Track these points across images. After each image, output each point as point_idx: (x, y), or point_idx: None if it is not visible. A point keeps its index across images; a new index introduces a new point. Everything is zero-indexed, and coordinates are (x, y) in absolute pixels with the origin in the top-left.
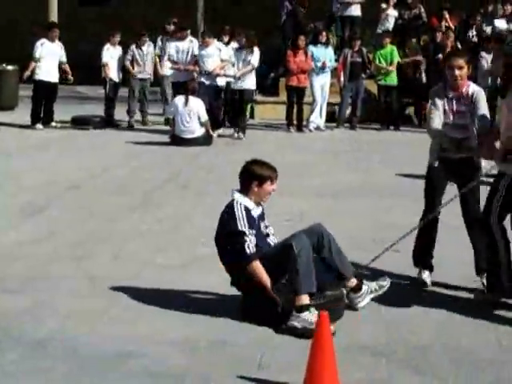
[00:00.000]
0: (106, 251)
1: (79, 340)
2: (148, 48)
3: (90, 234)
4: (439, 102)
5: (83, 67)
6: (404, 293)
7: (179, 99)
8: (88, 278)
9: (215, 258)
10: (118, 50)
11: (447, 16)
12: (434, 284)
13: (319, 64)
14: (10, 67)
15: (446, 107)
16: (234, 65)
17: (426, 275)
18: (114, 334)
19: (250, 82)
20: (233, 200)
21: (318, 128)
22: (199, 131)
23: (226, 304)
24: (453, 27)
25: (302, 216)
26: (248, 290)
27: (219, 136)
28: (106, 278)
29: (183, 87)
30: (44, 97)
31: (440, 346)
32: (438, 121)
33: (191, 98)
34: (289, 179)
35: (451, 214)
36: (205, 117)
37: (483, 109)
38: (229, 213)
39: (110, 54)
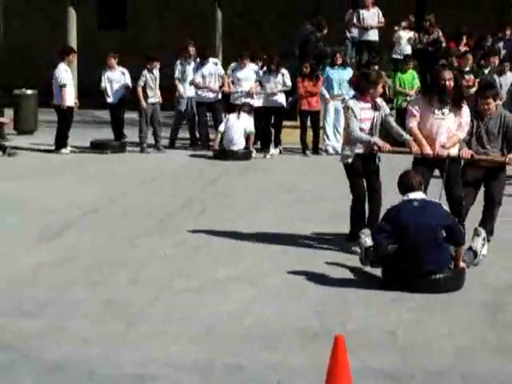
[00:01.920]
0: (124, 275)
1: (95, 363)
2: (157, 72)
3: (107, 258)
4: None
5: (101, 91)
6: (421, 316)
7: (232, 116)
8: (105, 302)
9: (233, 281)
10: (118, 74)
11: (465, 40)
12: (452, 307)
13: (337, 90)
14: (29, 91)
15: None
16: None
17: None
18: (131, 358)
19: (282, 100)
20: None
21: (336, 151)
22: (242, 145)
23: (244, 328)
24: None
25: (321, 240)
26: None
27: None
28: (123, 302)
29: (235, 107)
30: (70, 121)
31: (458, 372)
32: None
33: (242, 114)
34: (307, 203)
35: None
36: (251, 128)
37: None
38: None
39: (107, 78)
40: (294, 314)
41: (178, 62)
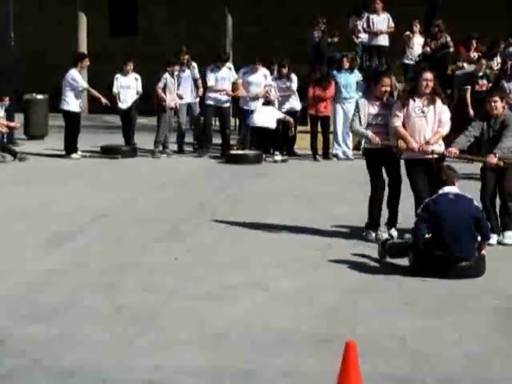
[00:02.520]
0: (135, 281)
1: (107, 369)
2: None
3: (118, 263)
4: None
5: (113, 96)
6: (433, 322)
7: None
8: (116, 308)
9: (243, 287)
10: (131, 79)
11: (475, 45)
12: (464, 313)
13: (345, 93)
14: (39, 96)
15: None
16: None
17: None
18: (142, 364)
19: (295, 105)
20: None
21: (346, 157)
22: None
23: (254, 334)
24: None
25: (331, 246)
26: None
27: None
28: (134, 307)
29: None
30: (78, 126)
31: (470, 379)
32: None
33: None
34: (316, 209)
35: None
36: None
37: None
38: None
39: (120, 83)
40: (305, 320)
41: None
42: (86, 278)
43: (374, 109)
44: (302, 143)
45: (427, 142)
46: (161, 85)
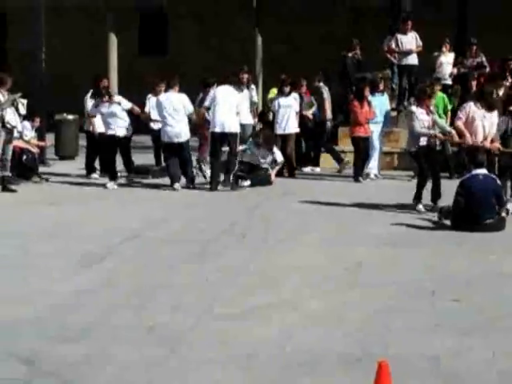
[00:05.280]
0: (165, 301)
1: None
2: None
3: (148, 283)
4: None
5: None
6: (464, 341)
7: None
8: (146, 328)
9: (274, 307)
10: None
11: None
12: (496, 332)
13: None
14: (70, 117)
15: None
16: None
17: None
18: None
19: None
20: None
21: (376, 177)
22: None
23: (285, 354)
24: None
25: (361, 265)
26: None
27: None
28: (165, 327)
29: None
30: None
31: None
32: None
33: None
34: (346, 228)
35: None
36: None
37: None
38: None
39: (152, 104)
40: (336, 340)
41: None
42: (116, 298)
43: (423, 115)
44: (329, 162)
45: (485, 139)
46: (207, 104)
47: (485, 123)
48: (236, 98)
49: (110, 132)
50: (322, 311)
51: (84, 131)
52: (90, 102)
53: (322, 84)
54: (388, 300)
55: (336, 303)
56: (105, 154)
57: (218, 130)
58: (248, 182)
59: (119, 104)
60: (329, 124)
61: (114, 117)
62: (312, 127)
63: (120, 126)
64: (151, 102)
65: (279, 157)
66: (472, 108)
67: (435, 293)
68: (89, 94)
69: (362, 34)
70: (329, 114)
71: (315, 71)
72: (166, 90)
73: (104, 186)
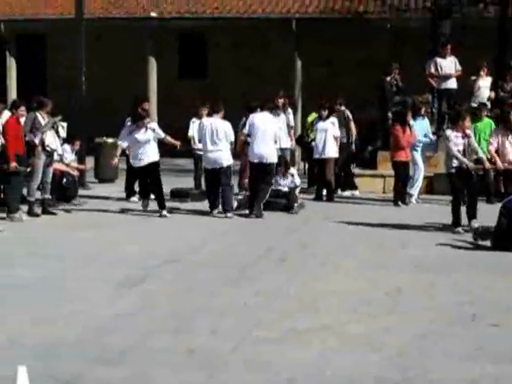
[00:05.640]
0: (204, 324)
1: None
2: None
3: (187, 306)
4: None
5: (182, 139)
6: (505, 368)
7: None
8: (185, 351)
9: (313, 331)
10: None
11: None
12: None
13: (421, 138)
14: (109, 140)
15: None
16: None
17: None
18: None
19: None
20: None
21: (415, 200)
22: None
23: (325, 378)
24: None
25: (401, 290)
26: None
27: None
28: (204, 351)
29: None
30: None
31: None
32: None
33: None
34: (386, 252)
35: None
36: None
37: None
38: None
39: (195, 128)
40: (375, 364)
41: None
42: (155, 321)
43: (459, 139)
44: (372, 186)
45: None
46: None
47: None
48: (274, 125)
49: (142, 163)
50: (361, 335)
51: (125, 154)
52: (192, 124)
53: (343, 108)
54: (427, 324)
55: (375, 328)
56: (144, 181)
57: (256, 161)
58: None
59: (153, 131)
60: (353, 146)
61: (146, 144)
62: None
63: (149, 155)
64: (195, 125)
65: (298, 180)
66: (501, 132)
67: (475, 317)
68: (129, 118)
69: (402, 58)
70: (354, 135)
71: (354, 95)
72: (209, 115)
73: (160, 215)
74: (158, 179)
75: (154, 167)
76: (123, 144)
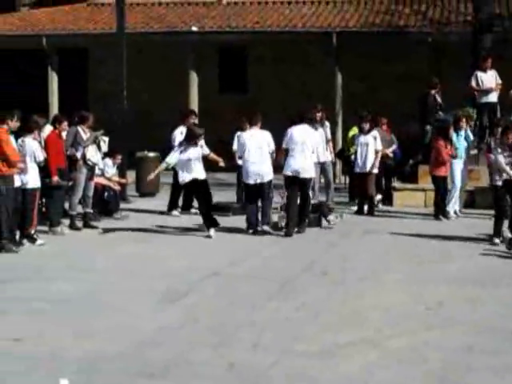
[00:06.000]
0: (246, 338)
1: None
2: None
3: (229, 320)
4: None
5: (224, 154)
6: None
7: None
8: (227, 365)
9: (354, 345)
10: None
11: None
12: None
13: (460, 152)
14: (151, 154)
15: None
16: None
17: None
18: None
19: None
20: None
21: (457, 215)
22: None
23: None
24: None
25: (442, 304)
26: None
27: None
28: (245, 365)
29: None
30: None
31: None
32: None
33: None
34: (427, 266)
35: None
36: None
37: None
38: None
39: (239, 140)
40: (417, 378)
41: None
42: (197, 335)
43: (506, 152)
44: (413, 201)
45: None
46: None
47: None
48: (312, 138)
49: (189, 179)
50: (402, 349)
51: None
52: (179, 137)
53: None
54: (470, 338)
55: (417, 342)
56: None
57: (290, 174)
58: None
59: (201, 147)
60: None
61: (196, 160)
62: (392, 165)
63: (198, 171)
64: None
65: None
66: None
67: None
68: (177, 130)
69: (441, 72)
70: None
71: (393, 109)
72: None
73: (207, 235)
74: (209, 197)
75: (204, 185)
76: (171, 162)
